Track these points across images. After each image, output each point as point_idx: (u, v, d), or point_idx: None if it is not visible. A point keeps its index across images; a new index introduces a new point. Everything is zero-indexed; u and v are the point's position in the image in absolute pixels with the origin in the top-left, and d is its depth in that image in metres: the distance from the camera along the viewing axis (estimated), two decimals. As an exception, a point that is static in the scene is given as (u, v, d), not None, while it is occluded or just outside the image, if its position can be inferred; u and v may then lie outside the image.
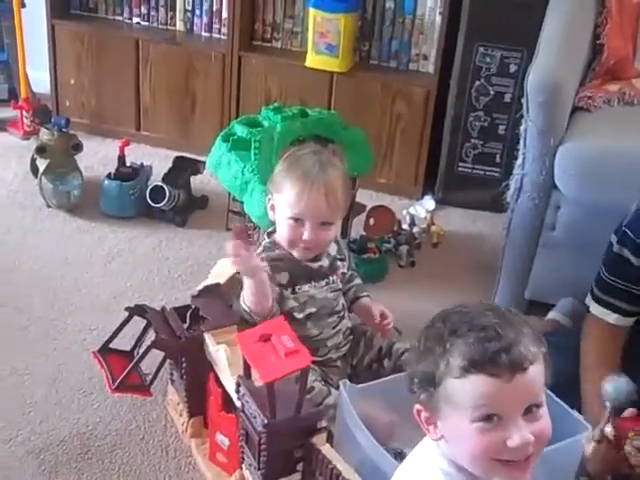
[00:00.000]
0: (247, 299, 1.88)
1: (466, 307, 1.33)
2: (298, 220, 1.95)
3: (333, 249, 2.08)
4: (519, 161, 2.33)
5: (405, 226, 2.80)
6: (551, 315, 2.33)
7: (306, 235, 1.94)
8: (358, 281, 2.18)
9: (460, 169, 3.02)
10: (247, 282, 1.86)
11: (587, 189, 2.26)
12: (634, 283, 1.98)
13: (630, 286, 1.98)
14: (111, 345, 1.98)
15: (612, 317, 2.02)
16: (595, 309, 2.05)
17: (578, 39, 2.54)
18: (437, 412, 1.30)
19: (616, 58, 2.61)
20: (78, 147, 2.87)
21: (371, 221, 2.62)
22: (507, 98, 2.89)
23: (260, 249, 2.00)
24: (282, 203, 1.95)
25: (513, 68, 2.85)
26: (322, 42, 3.00)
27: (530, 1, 2.73)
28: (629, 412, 1.78)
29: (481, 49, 2.87)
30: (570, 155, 2.27)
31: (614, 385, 1.76)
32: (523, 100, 2.30)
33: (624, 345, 2.02)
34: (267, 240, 2.03)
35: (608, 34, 2.61)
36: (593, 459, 1.77)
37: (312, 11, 2.97)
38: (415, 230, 2.79)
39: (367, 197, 2.86)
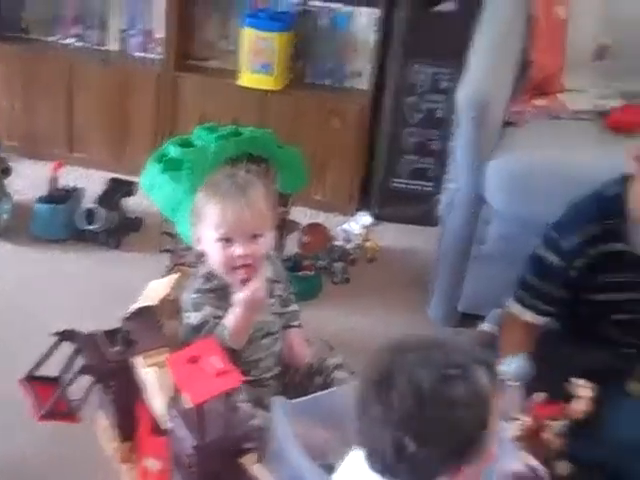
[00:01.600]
0: (236, 334, 1.90)
1: None
2: (227, 240, 1.94)
3: (269, 271, 2.08)
4: (450, 176, 2.36)
5: (339, 243, 2.81)
6: (482, 326, 2.35)
7: (239, 251, 1.93)
8: (293, 307, 2.17)
9: (395, 185, 3.04)
10: (244, 318, 1.89)
11: (516, 203, 2.30)
12: (553, 283, 2.04)
13: (545, 285, 2.05)
14: (39, 372, 1.94)
15: (528, 315, 2.09)
16: (513, 307, 2.11)
17: (507, 55, 2.57)
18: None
19: (544, 73, 2.65)
20: (7, 171, 2.83)
21: (305, 238, 2.63)
22: (439, 114, 2.92)
23: (200, 281, 1.99)
24: (207, 229, 1.95)
25: (444, 85, 2.88)
26: (257, 61, 3.00)
27: (461, 18, 2.77)
28: (538, 397, 1.88)
29: (414, 66, 2.90)
30: (499, 170, 2.30)
31: (512, 363, 1.89)
32: (453, 116, 2.33)
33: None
34: (203, 272, 2.02)
35: (536, 50, 2.66)
36: None
37: (247, 30, 2.98)
38: (349, 246, 2.80)
39: (302, 214, 2.86)
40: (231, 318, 1.91)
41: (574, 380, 1.92)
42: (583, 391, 1.91)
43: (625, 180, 1.96)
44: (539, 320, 2.10)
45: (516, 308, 2.11)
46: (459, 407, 1.26)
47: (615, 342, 2.12)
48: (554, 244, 2.03)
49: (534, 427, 1.86)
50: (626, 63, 2.67)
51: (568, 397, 1.91)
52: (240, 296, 1.91)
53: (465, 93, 2.29)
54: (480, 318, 2.38)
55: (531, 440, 1.84)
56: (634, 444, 1.91)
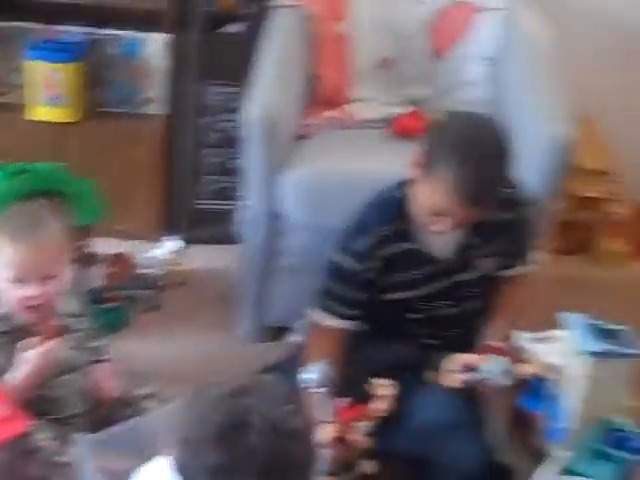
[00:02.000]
0: (24, 388, 1.84)
1: None
2: (19, 281, 1.90)
3: (70, 305, 2.04)
4: (243, 193, 2.39)
5: (145, 270, 2.78)
6: (291, 338, 2.39)
7: (29, 292, 1.89)
8: (100, 342, 2.13)
9: (200, 206, 3.05)
10: (33, 375, 1.85)
11: (311, 214, 2.35)
12: (352, 287, 2.09)
13: (346, 290, 2.10)
14: None
15: (333, 320, 2.12)
16: (318, 315, 2.15)
17: (293, 71, 2.64)
18: None
19: (331, 86, 2.74)
20: None
21: (109, 269, 2.60)
22: (233, 133, 2.95)
23: None
24: (0, 269, 1.90)
25: (237, 104, 2.91)
26: (48, 93, 2.94)
27: (249, 38, 2.81)
28: (342, 401, 1.93)
29: (207, 87, 2.93)
30: (292, 183, 2.35)
31: (314, 371, 1.91)
32: (242, 134, 2.36)
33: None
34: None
35: (321, 65, 2.74)
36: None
37: (34, 63, 2.91)
38: (156, 273, 2.78)
39: (106, 245, 2.81)
40: (19, 374, 1.86)
41: (374, 380, 1.99)
42: (383, 390, 1.98)
43: (405, 184, 2.05)
44: (344, 324, 2.14)
45: (320, 315, 2.15)
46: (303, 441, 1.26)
47: (416, 336, 2.20)
48: (347, 248, 2.08)
49: (340, 431, 1.90)
50: (410, 71, 2.80)
51: (370, 397, 1.98)
52: (31, 354, 1.86)
53: (250, 110, 2.33)
54: (289, 330, 2.43)
55: (339, 443, 1.90)
56: (431, 426, 2.01)
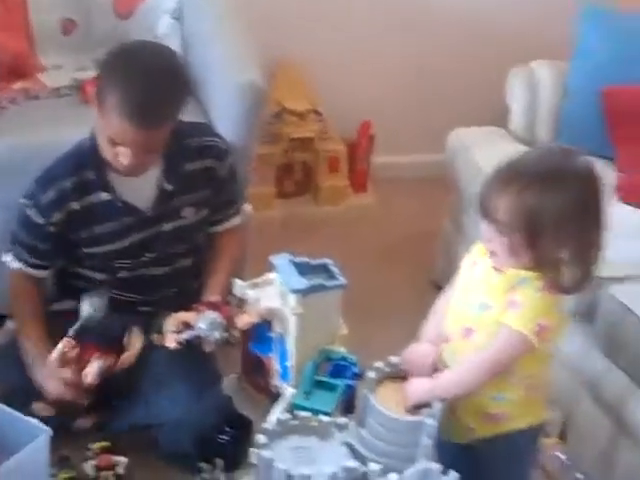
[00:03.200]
0: None
1: None
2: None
3: None
4: None
5: None
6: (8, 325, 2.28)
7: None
8: None
9: None
10: None
11: (5, 192, 2.21)
12: (37, 237, 2.08)
13: (30, 238, 2.08)
14: None
15: (21, 266, 2.12)
16: (8, 259, 2.13)
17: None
18: None
19: (13, 55, 2.57)
20: None
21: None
22: None
23: None
24: None
25: None
26: None
27: None
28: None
29: None
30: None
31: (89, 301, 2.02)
32: None
33: None
34: None
35: (-1, 32, 2.58)
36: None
37: None
38: None
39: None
40: None
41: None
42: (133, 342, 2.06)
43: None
44: (31, 272, 2.13)
45: (9, 259, 2.13)
46: None
47: (133, 303, 2.18)
48: (32, 200, 2.05)
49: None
50: (96, 33, 2.70)
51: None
52: None
53: None
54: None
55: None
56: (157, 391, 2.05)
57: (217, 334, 1.98)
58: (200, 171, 2.11)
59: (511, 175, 1.55)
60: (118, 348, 2.05)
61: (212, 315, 1.99)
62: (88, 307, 2.05)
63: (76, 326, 2.02)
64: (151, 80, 1.90)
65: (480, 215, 1.58)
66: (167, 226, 2.11)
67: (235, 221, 2.27)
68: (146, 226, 2.09)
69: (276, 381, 1.98)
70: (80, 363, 2.00)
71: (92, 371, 1.98)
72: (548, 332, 1.57)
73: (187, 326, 2.01)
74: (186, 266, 2.20)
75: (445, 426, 1.62)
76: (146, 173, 2.03)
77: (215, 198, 2.17)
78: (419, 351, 1.73)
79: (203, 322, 1.99)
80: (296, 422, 1.63)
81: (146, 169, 2.02)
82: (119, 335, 2.06)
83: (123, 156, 1.93)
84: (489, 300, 1.63)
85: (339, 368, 1.85)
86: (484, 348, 1.63)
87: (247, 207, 2.33)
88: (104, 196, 2.04)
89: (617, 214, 2.31)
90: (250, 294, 2.00)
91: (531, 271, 1.59)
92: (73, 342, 2.00)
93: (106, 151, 1.96)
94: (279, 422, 1.62)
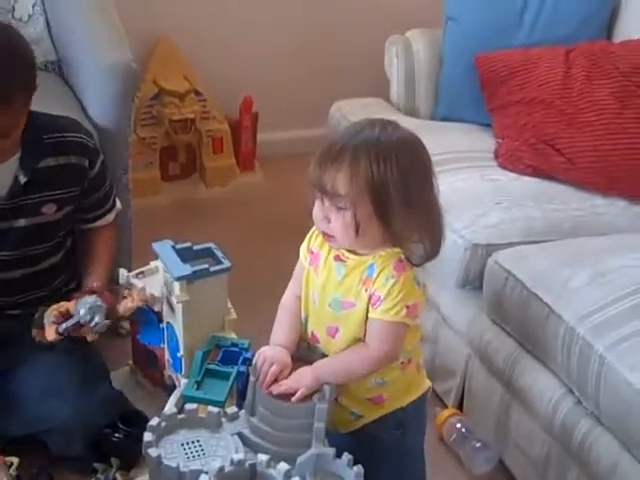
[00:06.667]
0: None
1: None
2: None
3: None
4: None
5: None
6: None
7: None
8: None
9: None
10: None
11: None
12: None
13: None
14: None
15: None
16: None
17: None
18: None
19: None
20: None
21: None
22: None
23: None
24: None
25: None
26: None
27: None
28: None
29: None
30: None
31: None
32: None
33: None
34: None
35: None
36: None
37: None
38: None
39: None
40: None
41: None
42: None
43: None
44: None
45: None
46: None
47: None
48: None
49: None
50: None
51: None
52: None
53: None
54: None
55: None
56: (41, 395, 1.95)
57: (97, 318, 1.90)
58: (62, 167, 2.01)
59: (340, 150, 1.50)
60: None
61: (91, 299, 1.91)
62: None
63: None
64: None
65: (319, 194, 1.52)
66: (23, 222, 2.00)
67: (109, 218, 2.20)
68: None
69: (169, 372, 1.93)
70: None
71: None
72: (415, 308, 1.55)
73: (67, 316, 1.93)
74: (54, 265, 2.11)
75: (330, 416, 1.57)
76: (6, 162, 1.94)
77: (84, 197, 2.09)
78: (274, 357, 1.60)
79: (82, 307, 1.90)
80: (183, 416, 1.58)
81: (6, 157, 1.93)
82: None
83: None
84: (347, 298, 1.58)
85: (230, 354, 1.80)
86: (359, 344, 1.58)
87: (118, 202, 2.25)
88: None
89: (500, 182, 2.36)
90: (136, 283, 1.95)
91: (376, 250, 1.55)
92: None
93: None
94: (165, 417, 1.56)
